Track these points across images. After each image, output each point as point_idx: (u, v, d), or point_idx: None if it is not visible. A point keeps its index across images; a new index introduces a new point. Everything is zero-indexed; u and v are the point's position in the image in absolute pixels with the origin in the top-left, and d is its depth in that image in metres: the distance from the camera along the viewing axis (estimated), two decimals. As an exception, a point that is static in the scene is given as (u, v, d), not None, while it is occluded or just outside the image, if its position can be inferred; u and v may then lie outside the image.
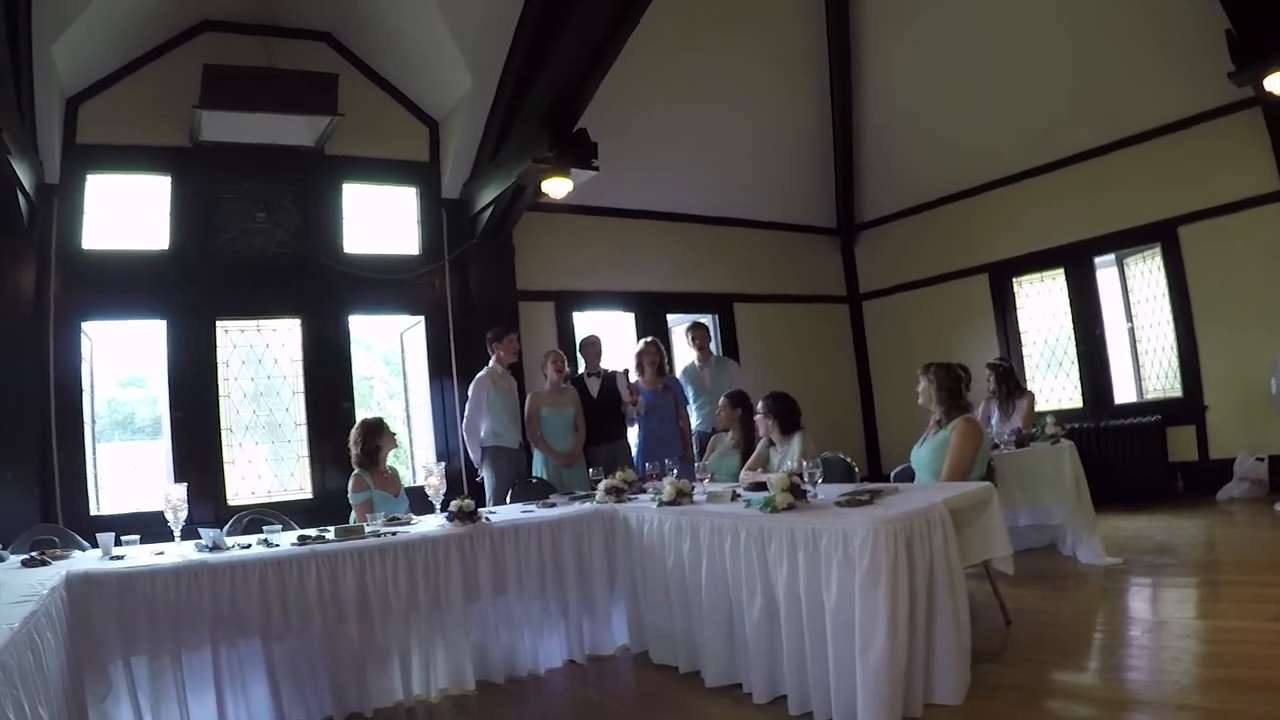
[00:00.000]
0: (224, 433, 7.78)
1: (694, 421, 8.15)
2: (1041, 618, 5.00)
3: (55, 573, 3.77)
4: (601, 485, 5.52)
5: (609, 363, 7.89)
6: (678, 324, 10.46)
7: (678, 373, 8.55)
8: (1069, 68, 8.97)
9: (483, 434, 7.28)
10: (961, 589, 3.74)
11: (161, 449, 7.71)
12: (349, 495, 5.85)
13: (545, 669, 4.94)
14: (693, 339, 8.49)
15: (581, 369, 7.86)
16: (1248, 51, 7.11)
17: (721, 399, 6.63)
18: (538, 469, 7.36)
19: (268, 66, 7.36)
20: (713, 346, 8.59)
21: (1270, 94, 7.10)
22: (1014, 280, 10.44)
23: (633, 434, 7.90)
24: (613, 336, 8.28)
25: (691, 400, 8.21)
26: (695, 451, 7.72)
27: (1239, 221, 8.42)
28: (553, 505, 5.60)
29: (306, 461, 8.10)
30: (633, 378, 7.74)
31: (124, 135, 7.48)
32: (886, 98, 10.49)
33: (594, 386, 7.62)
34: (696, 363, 8.44)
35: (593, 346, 7.83)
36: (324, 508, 7.28)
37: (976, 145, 10.08)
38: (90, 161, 7.42)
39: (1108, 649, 4.43)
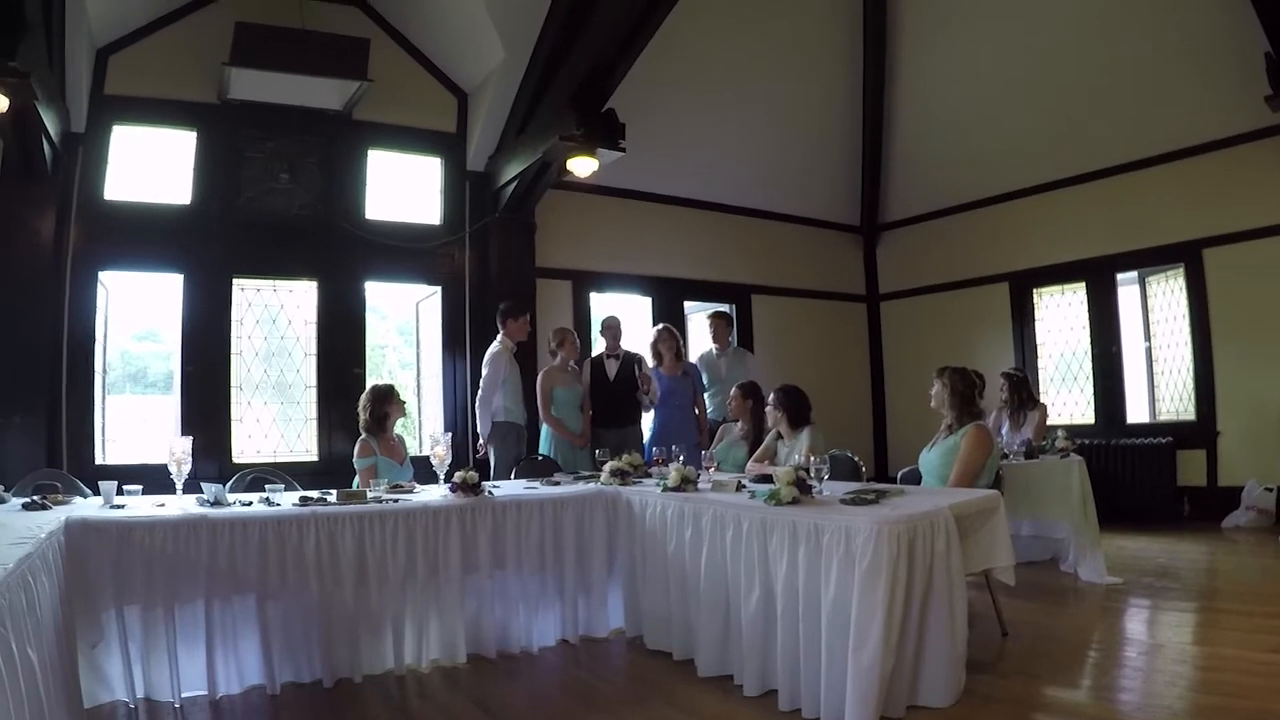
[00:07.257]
0: (234, 390, 7.81)
1: (706, 410, 8.06)
2: (1039, 631, 4.96)
3: (55, 517, 3.77)
4: (607, 467, 5.50)
5: (628, 345, 7.75)
6: (695, 311, 10.42)
7: (693, 359, 8.47)
8: (1104, 81, 8.86)
9: (494, 408, 7.21)
10: (961, 595, 3.71)
11: (172, 404, 7.71)
12: (354, 460, 5.85)
13: (538, 647, 4.94)
14: (713, 327, 8.42)
15: (600, 349, 7.76)
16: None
17: (734, 389, 6.59)
18: (544, 447, 7.30)
19: (300, 28, 7.33)
20: (731, 337, 8.53)
21: (1307, 121, 6.99)
22: (1034, 291, 10.38)
23: (647, 419, 7.81)
24: (630, 320, 8.19)
25: (705, 388, 8.11)
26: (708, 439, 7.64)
27: (1266, 248, 8.33)
28: (556, 484, 5.58)
29: (314, 424, 8.12)
30: (650, 363, 7.64)
31: (152, 88, 7.49)
32: (919, 99, 10.42)
33: (611, 369, 7.50)
34: (714, 351, 8.37)
35: (613, 328, 7.69)
36: (329, 471, 7.25)
37: (1005, 153, 10.00)
38: (117, 112, 7.44)
39: (1102, 668, 4.39)
